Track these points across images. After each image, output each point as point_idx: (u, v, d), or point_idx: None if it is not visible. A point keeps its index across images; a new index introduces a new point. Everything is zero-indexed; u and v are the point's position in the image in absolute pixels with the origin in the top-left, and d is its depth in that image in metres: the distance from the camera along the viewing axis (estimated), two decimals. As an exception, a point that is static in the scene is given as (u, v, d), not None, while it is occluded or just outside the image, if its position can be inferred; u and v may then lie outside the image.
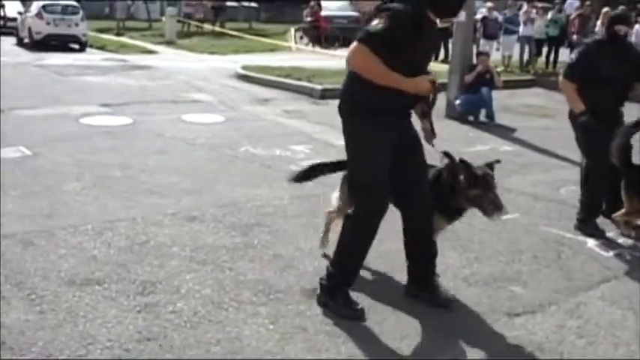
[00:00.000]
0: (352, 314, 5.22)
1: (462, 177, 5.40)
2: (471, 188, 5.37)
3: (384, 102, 5.05)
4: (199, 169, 9.30)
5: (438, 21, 5.17)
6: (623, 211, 7.47)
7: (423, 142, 5.39)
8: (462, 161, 5.42)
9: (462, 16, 15.25)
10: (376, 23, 4.93)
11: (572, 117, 7.57)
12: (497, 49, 24.16)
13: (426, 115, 5.42)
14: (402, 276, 5.79)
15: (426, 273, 5.58)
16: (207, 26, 36.81)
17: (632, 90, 7.81)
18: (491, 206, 5.38)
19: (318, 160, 9.57)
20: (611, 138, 7.43)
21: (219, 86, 18.01)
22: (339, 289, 5.33)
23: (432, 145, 5.41)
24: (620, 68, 7.44)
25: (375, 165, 5.16)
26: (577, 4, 25.86)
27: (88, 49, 29.35)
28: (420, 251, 5.55)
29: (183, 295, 5.45)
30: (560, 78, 7.80)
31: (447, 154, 5.52)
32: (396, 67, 4.93)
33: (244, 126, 12.67)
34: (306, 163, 9.64)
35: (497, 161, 5.68)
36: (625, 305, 5.82)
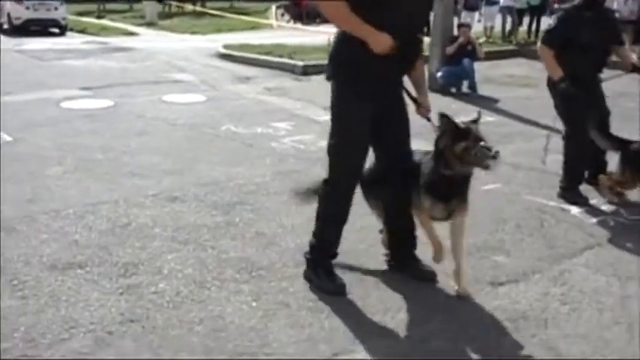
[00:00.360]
0: (334, 288, 5.22)
1: (443, 137, 5.07)
2: (456, 143, 4.99)
3: (368, 65, 4.95)
4: (180, 150, 9.27)
5: None
6: (612, 176, 7.55)
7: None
8: (443, 115, 5.09)
9: (441, -12, 15.27)
10: None
11: (551, 84, 7.55)
12: (479, 21, 24.17)
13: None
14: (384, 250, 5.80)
15: (407, 246, 5.58)
16: (188, 6, 36.70)
17: (610, 55, 7.79)
18: (482, 155, 4.96)
19: (299, 137, 9.64)
20: (590, 104, 7.45)
21: (201, 66, 17.95)
22: (321, 263, 5.34)
23: (428, 120, 5.36)
24: (598, 34, 7.41)
25: (352, 131, 5.13)
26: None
27: (69, 33, 29.20)
28: (400, 225, 5.55)
29: (166, 275, 5.45)
30: (538, 44, 7.79)
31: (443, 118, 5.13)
32: (375, 24, 4.84)
33: (226, 105, 12.63)
34: (288, 140, 9.73)
35: (478, 118, 5.20)
36: (609, 272, 5.84)
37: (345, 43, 5.04)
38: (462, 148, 4.96)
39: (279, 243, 6.14)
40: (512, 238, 6.42)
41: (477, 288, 5.39)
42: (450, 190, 5.19)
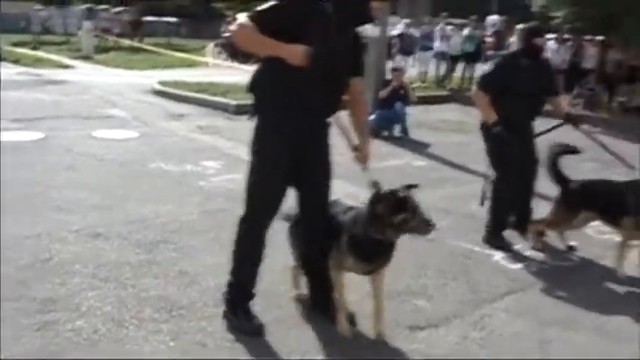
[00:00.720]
0: (252, 329, 5.21)
1: (381, 205, 4.97)
2: (394, 214, 4.92)
3: (288, 99, 4.97)
4: (109, 186, 9.17)
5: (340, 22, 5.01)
6: (543, 219, 7.69)
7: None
8: (375, 184, 5.13)
9: (375, 31, 15.41)
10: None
11: (484, 128, 7.64)
12: (414, 66, 24.45)
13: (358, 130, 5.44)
14: (305, 290, 5.81)
15: (326, 289, 5.55)
16: (126, 41, 36.44)
17: (544, 104, 7.92)
18: (422, 225, 4.94)
19: (228, 176, 9.60)
20: (522, 151, 7.56)
21: (135, 102, 17.81)
22: (238, 303, 5.32)
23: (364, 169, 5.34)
24: (534, 82, 7.55)
25: (267, 171, 5.15)
26: (496, 20, 26.25)
27: (2, 63, 28.81)
28: (318, 269, 5.54)
29: (84, 312, 5.38)
30: (474, 88, 7.89)
31: (376, 184, 5.14)
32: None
33: (157, 142, 12.54)
34: (217, 179, 9.70)
35: (415, 185, 5.15)
36: (529, 317, 5.93)
37: (263, 77, 5.05)
38: (400, 219, 4.91)
39: (201, 282, 6.10)
40: (435, 282, 6.47)
41: (396, 332, 5.42)
42: (377, 251, 5.17)
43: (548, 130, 7.90)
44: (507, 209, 7.88)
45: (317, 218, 5.39)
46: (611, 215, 7.28)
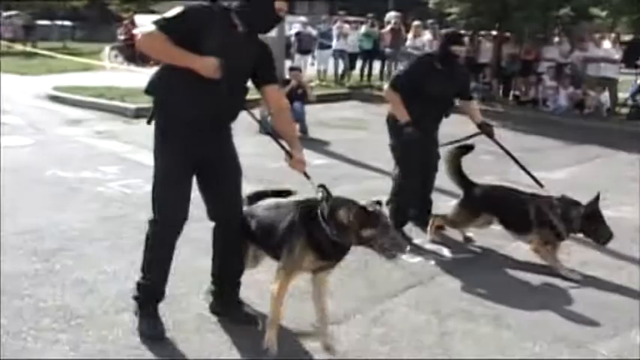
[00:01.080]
0: (153, 333, 5.16)
1: (349, 215, 4.87)
2: (364, 228, 4.84)
3: (188, 107, 4.92)
4: (1, 195, 8.93)
5: (245, 30, 5.02)
6: (444, 215, 7.86)
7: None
8: (323, 187, 5.09)
9: (272, 31, 15.37)
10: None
11: (392, 123, 7.73)
12: (313, 64, 24.52)
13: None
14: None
15: (231, 292, 5.57)
16: (18, 46, 35.65)
17: (453, 105, 8.00)
18: (393, 247, 4.90)
19: (127, 181, 9.49)
20: (426, 149, 7.66)
21: (29, 108, 17.40)
22: (146, 304, 5.27)
23: (306, 176, 5.31)
24: (447, 87, 7.65)
25: (169, 178, 5.12)
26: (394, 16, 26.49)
27: None
28: (226, 269, 5.53)
29: (-21, 326, 5.24)
30: (386, 86, 7.93)
31: (324, 188, 5.13)
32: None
33: (53, 148, 12.28)
34: (115, 184, 9.55)
35: (379, 202, 5.09)
36: (429, 309, 6.01)
37: (163, 84, 5.00)
38: (369, 235, 4.86)
39: (100, 290, 6.00)
40: (335, 279, 6.43)
41: (300, 330, 5.44)
42: (337, 249, 5.07)
43: (463, 139, 7.98)
44: (409, 204, 7.97)
45: (229, 221, 5.38)
46: (514, 227, 7.47)
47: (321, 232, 4.94)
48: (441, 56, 7.80)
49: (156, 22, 4.86)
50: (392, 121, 7.74)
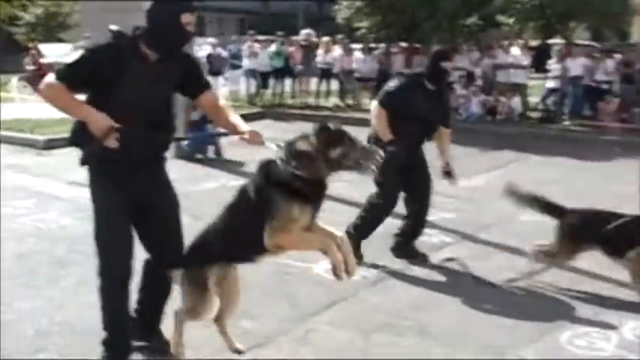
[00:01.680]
0: None
1: (311, 140, 4.65)
2: (331, 148, 4.60)
3: (111, 150, 4.77)
4: None
5: (156, 57, 4.89)
6: (546, 244, 7.27)
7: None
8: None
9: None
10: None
11: (375, 142, 7.47)
12: (225, 85, 24.43)
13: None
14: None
15: (153, 320, 5.47)
16: None
17: (434, 132, 7.92)
18: (367, 159, 4.69)
19: (41, 215, 9.26)
20: (408, 171, 7.61)
21: None
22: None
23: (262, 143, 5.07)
24: (434, 108, 7.62)
25: (107, 222, 5.01)
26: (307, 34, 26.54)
27: None
28: (153, 303, 5.43)
29: None
30: (374, 103, 7.83)
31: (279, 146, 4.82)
32: (109, 107, 4.68)
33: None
34: (28, 219, 9.33)
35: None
36: (352, 326, 6.01)
37: (84, 130, 4.81)
38: (339, 153, 4.62)
39: (16, 330, 5.82)
40: (258, 301, 6.42)
41: (224, 355, 5.36)
42: (312, 190, 4.72)
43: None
44: (377, 223, 7.86)
45: (165, 256, 5.24)
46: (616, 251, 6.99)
47: (291, 177, 4.63)
48: (431, 74, 7.71)
49: (57, 72, 4.76)
50: (373, 140, 7.53)
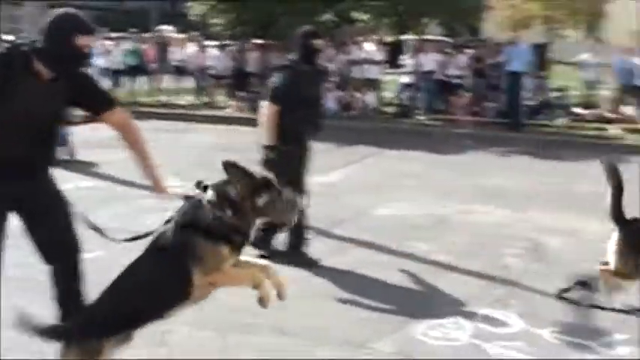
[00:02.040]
0: None
1: (237, 188, 4.32)
2: (257, 196, 4.32)
3: None
4: None
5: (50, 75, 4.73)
6: (610, 267, 5.68)
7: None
8: (231, 165, 4.34)
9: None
10: None
11: (273, 147, 7.47)
12: (77, 84, 23.88)
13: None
14: None
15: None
16: None
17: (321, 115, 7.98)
18: (292, 208, 4.46)
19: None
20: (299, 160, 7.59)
21: None
22: None
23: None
24: (315, 88, 7.77)
25: None
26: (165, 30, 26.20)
27: None
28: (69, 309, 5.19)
29: None
30: (265, 103, 7.68)
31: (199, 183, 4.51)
32: None
33: None
34: None
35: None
36: (210, 326, 6.01)
37: None
38: (265, 202, 4.34)
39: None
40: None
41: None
42: (239, 237, 4.43)
43: None
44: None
45: (66, 260, 5.16)
46: None
47: (220, 224, 4.34)
48: (304, 55, 7.69)
49: None
50: (269, 149, 7.52)
